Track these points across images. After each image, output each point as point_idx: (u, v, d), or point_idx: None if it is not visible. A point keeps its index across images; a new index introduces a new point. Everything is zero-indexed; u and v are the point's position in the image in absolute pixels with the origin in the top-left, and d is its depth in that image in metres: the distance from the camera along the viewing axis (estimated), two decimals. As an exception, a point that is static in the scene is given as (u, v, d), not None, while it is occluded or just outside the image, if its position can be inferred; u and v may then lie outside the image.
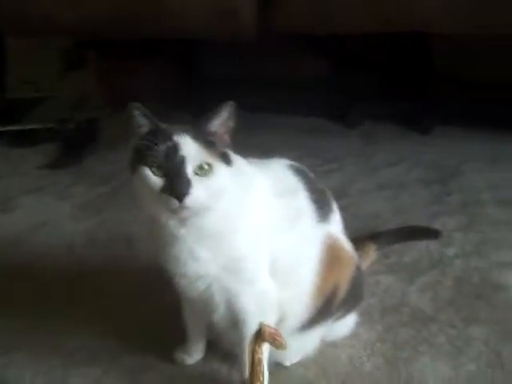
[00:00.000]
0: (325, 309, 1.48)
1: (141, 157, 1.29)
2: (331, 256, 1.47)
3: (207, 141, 1.27)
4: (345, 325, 1.61)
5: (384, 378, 1.49)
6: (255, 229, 1.37)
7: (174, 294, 1.47)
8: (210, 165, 1.27)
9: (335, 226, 1.52)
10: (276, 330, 1.24)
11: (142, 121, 1.30)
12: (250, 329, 1.41)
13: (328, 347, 1.59)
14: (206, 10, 2.44)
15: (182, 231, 1.32)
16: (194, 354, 1.59)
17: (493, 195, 2.32)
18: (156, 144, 1.26)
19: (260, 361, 1.25)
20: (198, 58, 3.62)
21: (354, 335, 1.63)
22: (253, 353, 1.24)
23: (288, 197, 1.43)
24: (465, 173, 2.52)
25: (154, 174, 1.27)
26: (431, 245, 2.02)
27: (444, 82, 2.82)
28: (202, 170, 1.26)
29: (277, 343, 1.24)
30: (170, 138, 1.26)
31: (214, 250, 1.34)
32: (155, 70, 3.43)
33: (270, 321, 1.40)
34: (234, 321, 1.42)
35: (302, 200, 1.44)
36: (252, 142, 2.25)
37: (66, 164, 2.96)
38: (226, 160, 1.30)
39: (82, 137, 3.20)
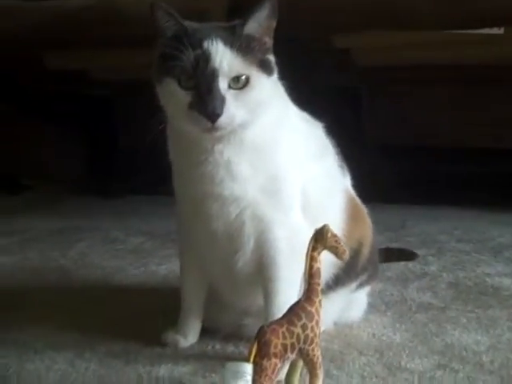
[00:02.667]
0: (350, 266, 1.29)
1: (166, 66, 1.10)
2: (354, 210, 1.34)
3: (244, 47, 1.09)
4: (360, 303, 1.42)
5: (421, 346, 1.29)
6: (293, 148, 1.21)
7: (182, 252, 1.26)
8: (247, 76, 1.09)
9: (350, 185, 1.38)
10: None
11: (165, 22, 1.12)
12: (278, 272, 1.21)
13: (344, 328, 1.38)
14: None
15: (219, 146, 1.13)
16: (190, 336, 1.31)
17: (449, 237, 2.26)
18: (182, 52, 1.08)
19: (319, 271, 1.02)
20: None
21: (366, 320, 1.43)
22: (311, 262, 1.01)
23: (315, 129, 1.30)
24: (411, 225, 2.47)
25: (182, 87, 1.09)
26: (410, 264, 1.89)
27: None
28: (238, 83, 1.09)
29: (340, 249, 1.03)
30: (199, 45, 1.08)
31: (255, 166, 1.15)
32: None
33: (300, 266, 1.19)
34: (261, 264, 1.21)
35: (325, 138, 1.31)
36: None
37: None
38: (267, 68, 1.13)
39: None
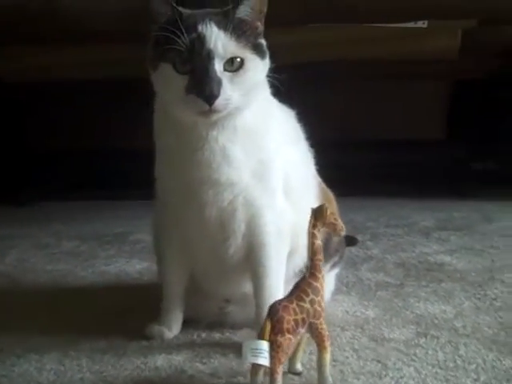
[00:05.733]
0: (325, 248, 1.33)
1: (161, 51, 1.11)
2: (324, 194, 1.39)
3: (237, 30, 1.11)
4: (329, 285, 1.46)
5: (395, 319, 1.36)
6: (277, 132, 1.24)
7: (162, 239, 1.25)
8: (241, 59, 1.12)
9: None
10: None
11: (160, 7, 1.13)
12: (268, 255, 1.24)
13: (317, 308, 1.42)
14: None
15: (214, 133, 1.15)
16: (174, 327, 1.32)
17: (377, 223, 2.38)
18: (178, 36, 1.09)
19: (320, 248, 1.07)
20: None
21: (334, 301, 1.49)
22: (312, 238, 1.06)
23: (289, 115, 1.34)
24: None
25: (178, 71, 1.10)
26: (352, 249, 1.96)
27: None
28: (233, 66, 1.11)
29: (338, 226, 1.08)
30: (194, 29, 1.10)
31: (247, 151, 1.18)
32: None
33: (285, 249, 1.26)
34: (251, 249, 1.24)
35: (297, 125, 1.35)
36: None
37: None
38: (259, 52, 1.15)
39: None
